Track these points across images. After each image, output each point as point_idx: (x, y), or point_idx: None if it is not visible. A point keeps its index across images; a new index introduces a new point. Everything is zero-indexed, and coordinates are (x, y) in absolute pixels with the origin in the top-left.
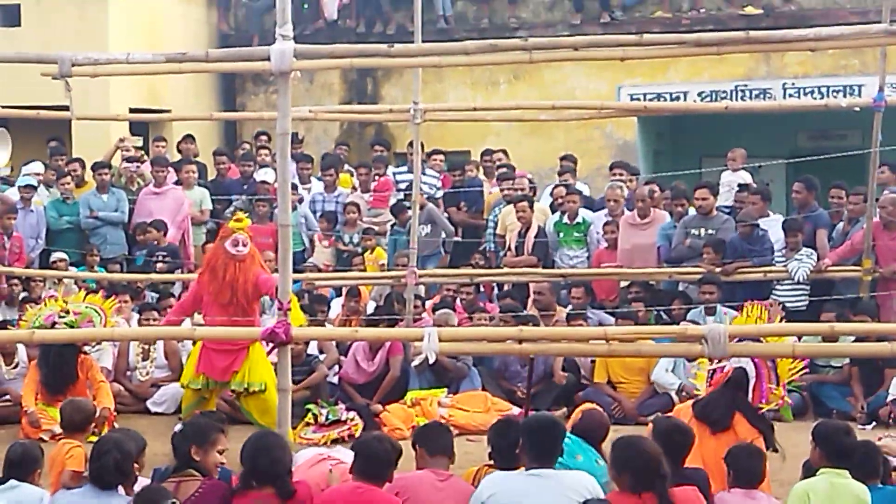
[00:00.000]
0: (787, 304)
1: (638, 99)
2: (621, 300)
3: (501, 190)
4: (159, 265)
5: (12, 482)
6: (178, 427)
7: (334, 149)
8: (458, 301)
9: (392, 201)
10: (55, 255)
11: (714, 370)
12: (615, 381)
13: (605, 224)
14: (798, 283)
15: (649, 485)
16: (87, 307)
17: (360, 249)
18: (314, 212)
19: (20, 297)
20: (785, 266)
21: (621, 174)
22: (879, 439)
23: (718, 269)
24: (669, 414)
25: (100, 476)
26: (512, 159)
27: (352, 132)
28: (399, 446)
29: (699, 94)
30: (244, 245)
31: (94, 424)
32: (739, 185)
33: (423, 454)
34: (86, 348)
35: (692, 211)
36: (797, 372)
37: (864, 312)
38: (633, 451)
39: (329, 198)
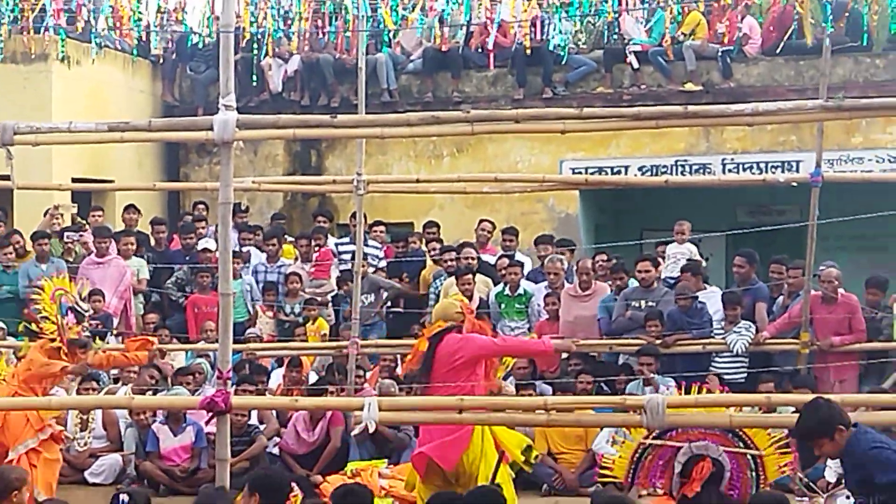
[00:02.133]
0: (726, 376)
1: (580, 172)
2: (562, 372)
3: (444, 262)
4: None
5: None
6: (124, 497)
7: (271, 220)
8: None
9: (335, 272)
10: None
11: (641, 454)
12: (555, 452)
13: (546, 296)
14: (737, 355)
15: None
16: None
17: (301, 320)
18: (256, 282)
19: None
20: (724, 338)
21: (561, 252)
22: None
23: (658, 341)
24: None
25: None
26: (455, 231)
27: (295, 203)
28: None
29: (640, 169)
30: None
31: (21, 493)
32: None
33: None
34: None
35: (632, 283)
36: (785, 466)
37: (802, 385)
38: None
39: (271, 268)
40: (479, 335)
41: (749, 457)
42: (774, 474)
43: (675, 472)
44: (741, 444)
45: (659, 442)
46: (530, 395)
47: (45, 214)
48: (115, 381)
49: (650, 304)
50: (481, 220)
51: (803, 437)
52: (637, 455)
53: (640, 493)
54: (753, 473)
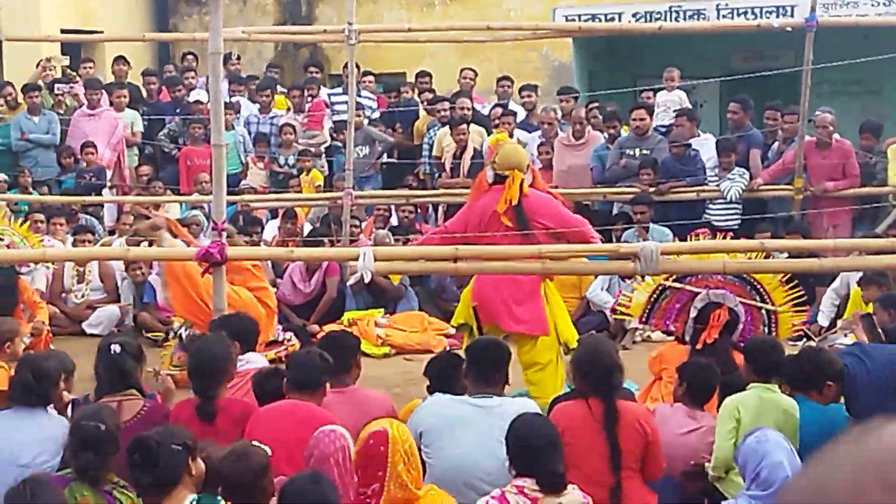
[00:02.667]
0: (720, 223)
1: (573, 20)
2: None
3: (437, 112)
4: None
5: None
6: (117, 347)
7: (266, 70)
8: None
9: (328, 123)
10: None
11: (656, 299)
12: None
13: (540, 145)
14: (730, 202)
15: (600, 391)
16: (16, 236)
17: (295, 171)
18: (248, 133)
19: None
20: (717, 186)
21: (566, 100)
22: (831, 346)
23: (652, 189)
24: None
25: (15, 396)
26: (446, 81)
27: (286, 54)
28: (328, 358)
29: (634, 15)
30: None
31: (14, 343)
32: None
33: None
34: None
35: (625, 132)
36: (800, 325)
37: (795, 231)
38: (593, 356)
39: (263, 119)
40: (555, 200)
41: (763, 311)
42: (786, 332)
43: (690, 317)
44: (758, 298)
45: (678, 285)
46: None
47: (36, 66)
48: (111, 233)
49: (644, 152)
50: (463, 69)
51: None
52: (654, 296)
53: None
54: (765, 328)
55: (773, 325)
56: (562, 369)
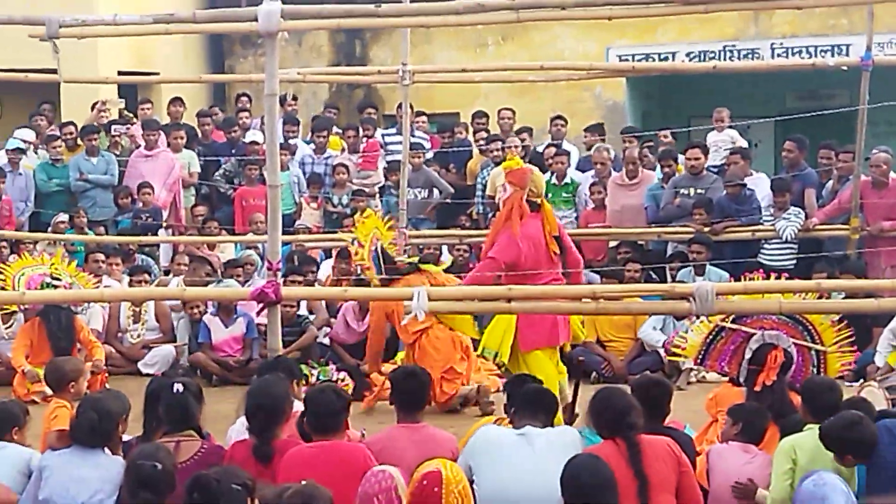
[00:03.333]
0: (775, 263)
1: (627, 59)
2: (610, 260)
3: (490, 152)
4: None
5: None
6: (180, 386)
7: (323, 111)
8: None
9: (381, 163)
10: (59, 217)
11: (711, 341)
12: (604, 340)
13: (593, 185)
14: (786, 241)
15: (619, 431)
16: (69, 278)
17: (349, 211)
18: (303, 174)
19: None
20: (773, 225)
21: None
22: (860, 391)
23: (707, 229)
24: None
25: (78, 436)
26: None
27: (340, 95)
28: (346, 395)
29: (688, 55)
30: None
31: (78, 383)
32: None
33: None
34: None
35: (679, 171)
36: (846, 366)
37: (851, 271)
38: (606, 402)
39: (318, 160)
40: None
41: (813, 352)
42: (835, 372)
43: (745, 359)
44: (808, 339)
45: (735, 326)
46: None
47: (92, 109)
48: (166, 272)
49: (698, 191)
50: (501, 109)
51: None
52: (711, 336)
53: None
54: (814, 369)
55: (823, 366)
56: None
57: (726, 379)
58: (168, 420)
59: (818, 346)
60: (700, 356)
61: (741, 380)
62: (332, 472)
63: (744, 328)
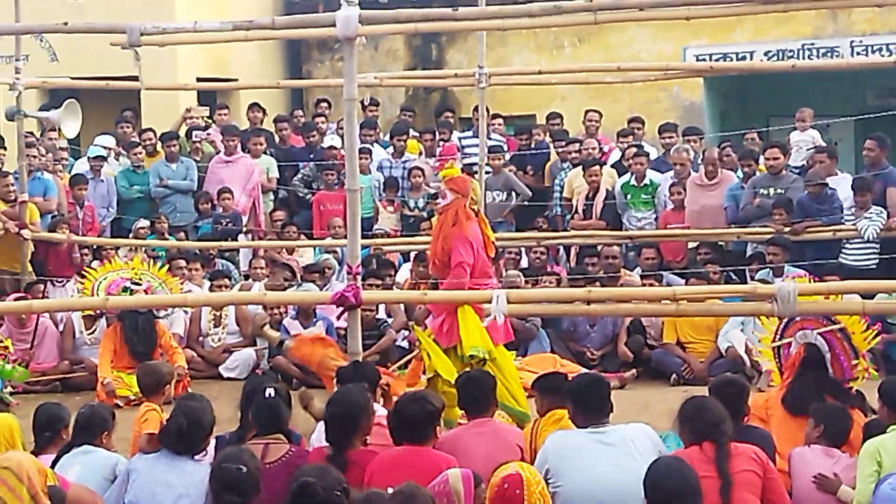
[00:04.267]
0: (856, 264)
1: (704, 59)
2: (689, 261)
3: (568, 154)
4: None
5: (87, 447)
6: (272, 391)
7: (399, 115)
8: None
9: (458, 166)
10: (140, 223)
11: (779, 346)
12: (684, 342)
13: (672, 185)
14: (868, 241)
15: (710, 437)
16: (155, 280)
17: (426, 214)
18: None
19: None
20: (854, 225)
21: (688, 140)
22: None
23: (787, 229)
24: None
25: (167, 441)
26: (577, 122)
27: (417, 98)
28: (440, 402)
29: (766, 54)
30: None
31: (169, 388)
32: (815, 147)
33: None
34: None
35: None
36: (873, 339)
37: None
38: (699, 410)
39: (396, 164)
40: None
41: (839, 332)
42: (864, 345)
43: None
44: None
45: (778, 343)
46: (654, 285)
47: (182, 117)
48: (246, 277)
49: (778, 191)
50: (588, 111)
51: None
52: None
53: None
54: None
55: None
56: None
57: None
58: (258, 423)
59: (837, 326)
60: (778, 358)
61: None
62: (418, 479)
63: (785, 340)
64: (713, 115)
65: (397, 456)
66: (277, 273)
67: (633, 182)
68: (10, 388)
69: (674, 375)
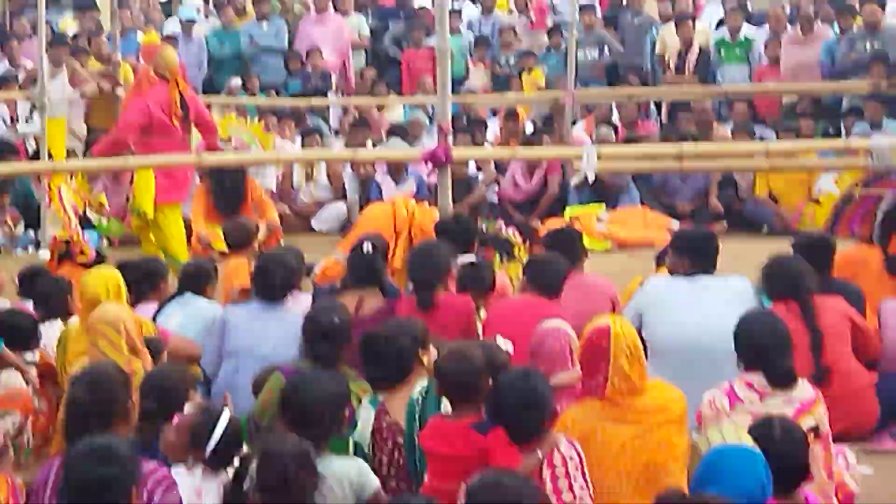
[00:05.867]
0: None
1: None
2: (783, 116)
3: (662, 10)
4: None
5: (188, 295)
6: (369, 246)
7: None
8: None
9: (549, 23)
10: (233, 80)
11: (851, 204)
12: (777, 195)
13: (767, 41)
14: None
15: (794, 294)
16: (247, 135)
17: (516, 71)
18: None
19: None
20: None
21: None
22: None
23: (884, 83)
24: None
25: (266, 290)
26: None
27: None
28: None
29: None
30: None
31: (258, 241)
32: None
33: None
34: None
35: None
36: None
37: None
38: (780, 266)
39: (485, 21)
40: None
41: None
42: None
43: (877, 220)
44: None
45: (864, 191)
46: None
47: None
48: (336, 133)
49: (876, 45)
50: None
51: None
52: (841, 203)
53: None
54: None
55: None
56: None
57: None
58: (354, 276)
59: None
60: (830, 223)
61: (875, 240)
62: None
63: (873, 191)
64: None
65: (520, 304)
66: (356, 132)
67: (727, 38)
68: (106, 242)
69: (765, 226)
